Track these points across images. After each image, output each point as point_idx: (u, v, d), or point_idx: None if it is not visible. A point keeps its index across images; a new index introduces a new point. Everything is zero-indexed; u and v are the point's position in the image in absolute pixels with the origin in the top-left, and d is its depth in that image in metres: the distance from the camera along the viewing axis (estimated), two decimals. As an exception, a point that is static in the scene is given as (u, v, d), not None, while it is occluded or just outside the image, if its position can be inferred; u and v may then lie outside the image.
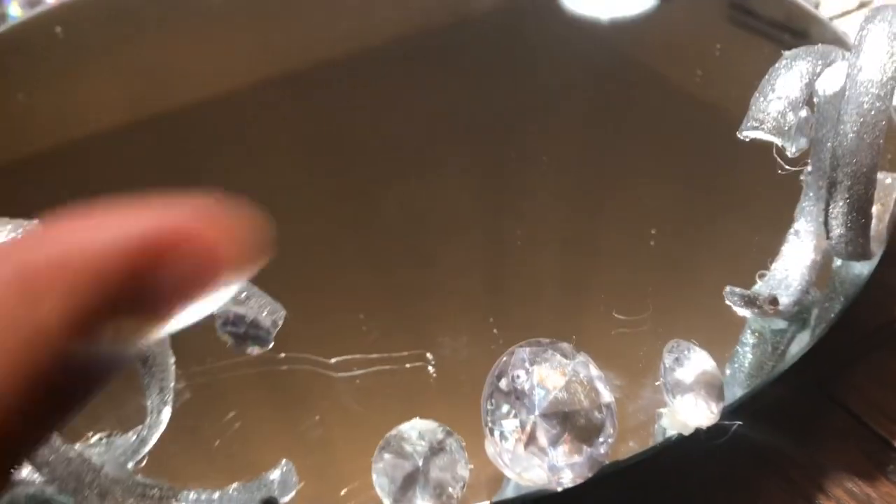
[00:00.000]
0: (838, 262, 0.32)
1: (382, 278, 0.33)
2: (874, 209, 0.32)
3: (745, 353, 0.29)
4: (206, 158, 0.42)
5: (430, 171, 0.39)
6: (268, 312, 0.21)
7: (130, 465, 0.25)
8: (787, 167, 0.25)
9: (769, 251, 0.31)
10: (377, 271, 0.33)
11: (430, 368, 0.29)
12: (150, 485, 0.25)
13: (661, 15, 0.49)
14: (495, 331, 0.30)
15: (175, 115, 0.46)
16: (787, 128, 0.24)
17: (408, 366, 0.29)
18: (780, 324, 0.30)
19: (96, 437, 0.27)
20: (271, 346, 0.21)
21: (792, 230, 0.31)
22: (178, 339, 0.24)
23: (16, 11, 0.62)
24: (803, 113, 0.24)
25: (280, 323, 0.21)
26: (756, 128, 0.24)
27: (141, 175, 0.40)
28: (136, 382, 0.29)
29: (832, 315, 0.30)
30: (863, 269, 0.32)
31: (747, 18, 0.47)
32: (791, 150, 0.24)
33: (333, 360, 0.30)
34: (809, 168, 0.30)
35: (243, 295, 0.20)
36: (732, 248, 0.33)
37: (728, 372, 0.29)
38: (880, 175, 0.32)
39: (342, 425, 0.28)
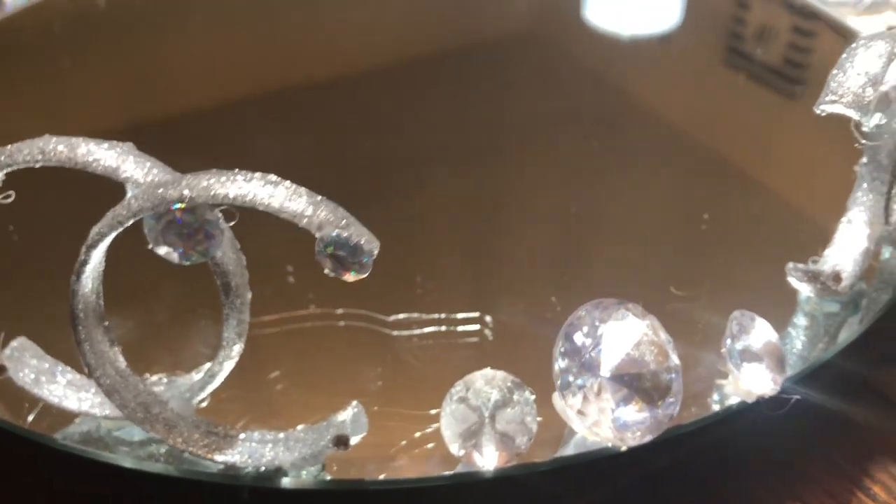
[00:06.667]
0: (886, 254, 0.33)
1: (441, 241, 0.33)
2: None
3: (798, 335, 0.30)
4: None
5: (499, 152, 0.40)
6: (366, 241, 0.21)
7: (195, 401, 0.25)
8: (864, 142, 0.25)
9: (819, 239, 0.31)
10: (435, 233, 0.33)
11: (488, 332, 0.29)
12: (215, 423, 0.25)
13: (659, 55, 0.50)
14: (553, 298, 0.30)
15: (169, 121, 0.45)
16: (866, 101, 0.24)
17: (466, 328, 0.29)
18: (833, 307, 0.30)
19: (155, 377, 0.27)
20: (368, 273, 0.21)
21: (845, 219, 0.31)
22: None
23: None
24: (883, 88, 0.25)
25: (375, 253, 0.21)
26: (834, 101, 0.25)
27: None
28: (191, 329, 0.30)
29: (880, 305, 0.31)
30: (910, 262, 0.32)
31: (744, 62, 0.49)
32: (868, 125, 0.25)
33: (391, 318, 0.30)
34: (864, 159, 0.31)
35: (344, 221, 0.21)
36: (782, 235, 0.34)
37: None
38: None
39: (401, 380, 0.28)
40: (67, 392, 0.26)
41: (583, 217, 0.36)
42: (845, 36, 0.48)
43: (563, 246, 0.34)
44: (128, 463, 0.25)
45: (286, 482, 0.24)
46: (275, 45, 0.51)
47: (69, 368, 0.26)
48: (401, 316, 0.30)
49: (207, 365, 0.25)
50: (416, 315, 0.30)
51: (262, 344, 0.29)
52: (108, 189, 0.23)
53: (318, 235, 0.20)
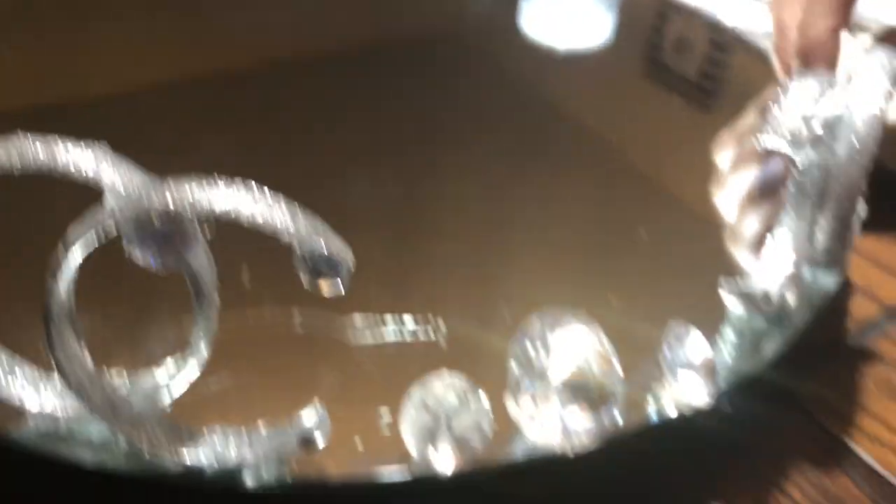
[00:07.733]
0: (808, 274, 0.35)
1: (394, 248, 0.34)
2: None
3: (727, 349, 0.32)
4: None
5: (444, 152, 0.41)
6: (343, 254, 0.22)
7: (160, 401, 0.26)
8: (798, 177, 0.27)
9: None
10: (387, 242, 0.35)
11: (441, 339, 0.31)
12: (179, 423, 0.26)
13: (584, 64, 0.53)
14: (502, 303, 0.31)
15: (88, 105, 0.45)
16: (801, 139, 0.27)
17: (418, 331, 0.31)
18: (760, 323, 0.32)
19: (115, 371, 0.27)
20: (343, 290, 0.22)
21: (770, 238, 0.34)
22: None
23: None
24: (814, 128, 0.27)
25: (352, 269, 0.22)
26: (772, 137, 0.27)
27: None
28: (149, 324, 0.30)
29: (802, 321, 0.33)
30: (828, 282, 0.35)
31: (662, 73, 0.52)
32: (801, 162, 0.27)
33: (347, 319, 0.31)
34: (791, 188, 0.33)
35: (324, 236, 0.21)
36: (710, 255, 0.37)
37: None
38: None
39: (357, 383, 0.29)
40: (27, 389, 0.26)
41: (516, 224, 0.38)
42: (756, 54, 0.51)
43: (504, 251, 0.36)
44: (87, 459, 0.25)
45: (248, 481, 0.25)
46: (200, 34, 0.52)
47: (27, 364, 0.26)
48: (357, 317, 0.31)
49: (172, 362, 0.26)
50: (370, 315, 0.31)
51: (218, 345, 0.30)
52: (70, 186, 0.23)
53: (297, 249, 0.21)
